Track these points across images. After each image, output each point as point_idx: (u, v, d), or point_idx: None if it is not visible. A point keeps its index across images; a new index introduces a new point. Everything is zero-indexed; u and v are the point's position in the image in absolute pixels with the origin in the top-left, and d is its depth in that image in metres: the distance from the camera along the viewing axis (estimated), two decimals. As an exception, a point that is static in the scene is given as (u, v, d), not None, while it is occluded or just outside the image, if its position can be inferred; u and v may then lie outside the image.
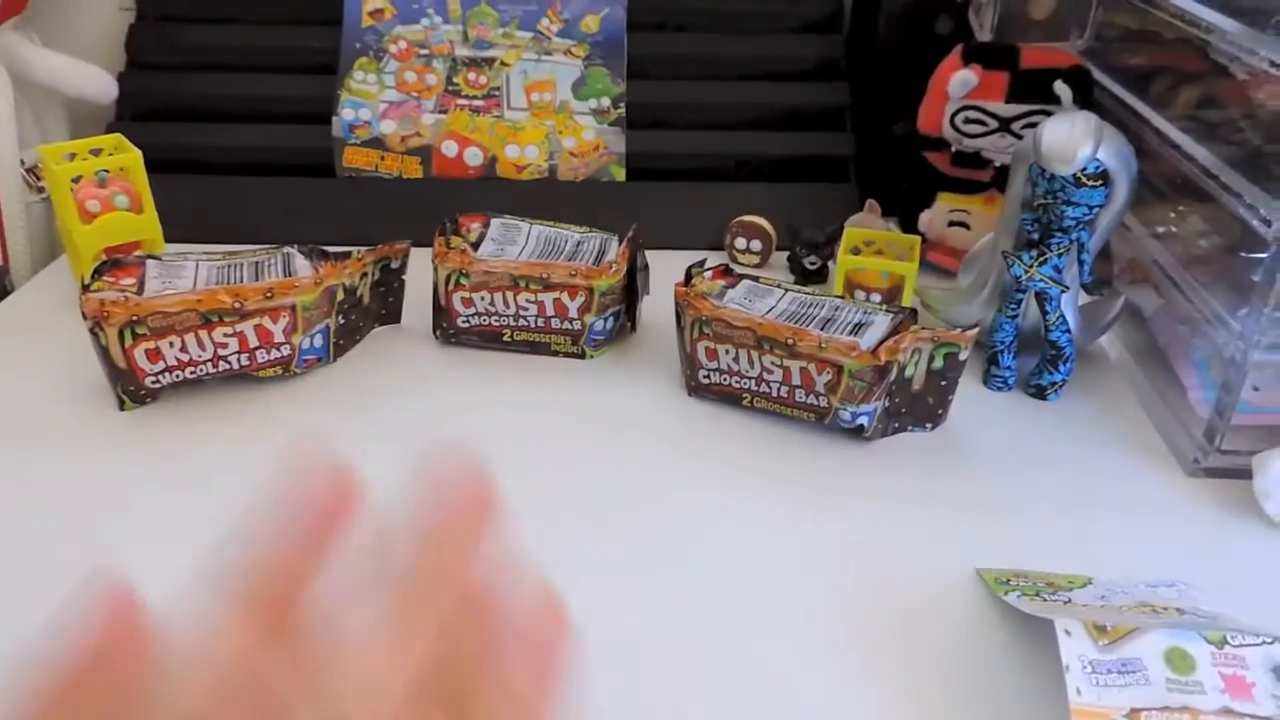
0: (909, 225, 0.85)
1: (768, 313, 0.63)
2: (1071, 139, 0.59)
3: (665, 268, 0.74)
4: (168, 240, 0.78)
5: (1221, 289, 0.62)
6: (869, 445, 0.63)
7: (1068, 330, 0.67)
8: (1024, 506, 0.59)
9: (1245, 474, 0.60)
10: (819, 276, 0.83)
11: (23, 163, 0.89)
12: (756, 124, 0.96)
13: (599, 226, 0.74)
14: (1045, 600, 0.49)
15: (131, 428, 0.63)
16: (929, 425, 0.64)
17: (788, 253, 0.84)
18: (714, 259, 0.70)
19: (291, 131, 0.94)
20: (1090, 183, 0.61)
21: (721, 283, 0.67)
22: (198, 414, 0.64)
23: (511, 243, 0.71)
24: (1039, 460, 0.64)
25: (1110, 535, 0.58)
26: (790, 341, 0.60)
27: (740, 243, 0.85)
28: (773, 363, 0.62)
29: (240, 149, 0.94)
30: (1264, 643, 0.43)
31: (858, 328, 0.62)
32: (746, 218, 0.85)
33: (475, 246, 0.70)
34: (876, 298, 0.73)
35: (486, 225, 0.73)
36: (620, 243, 0.71)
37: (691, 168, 0.94)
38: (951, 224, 0.83)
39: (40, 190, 0.91)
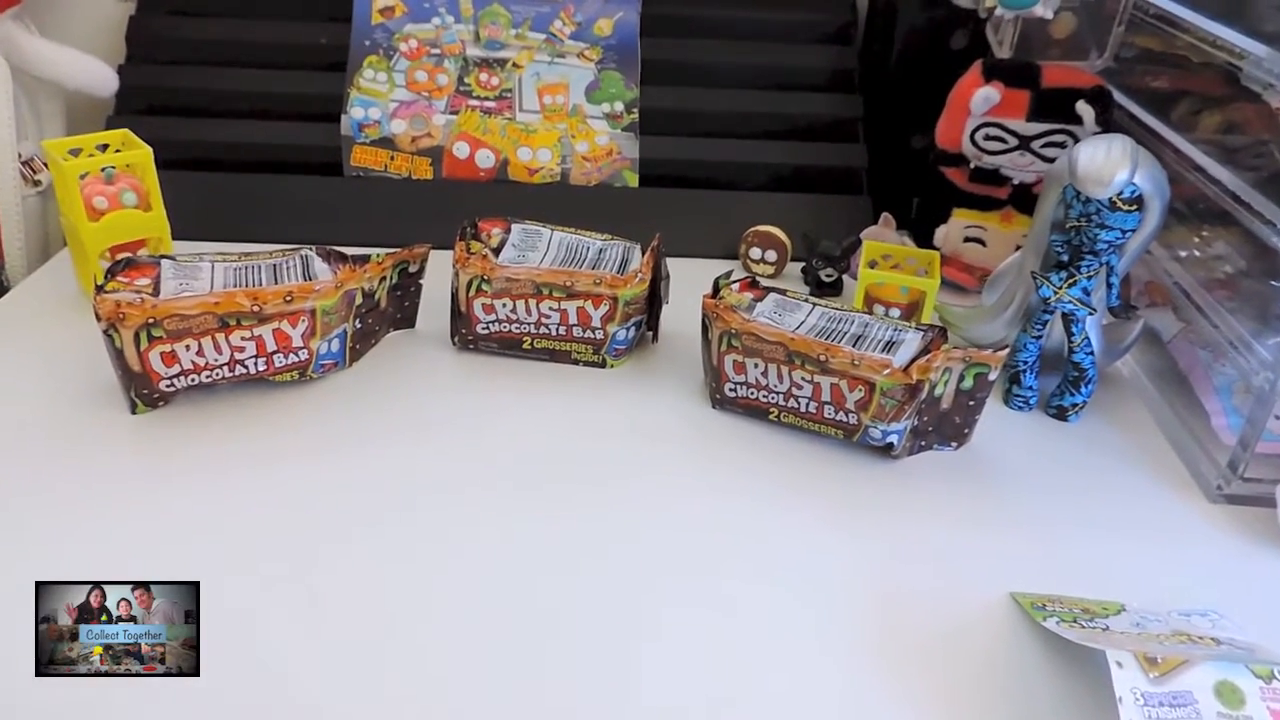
0: (923, 240, 0.85)
1: (798, 328, 0.62)
2: (1109, 163, 0.59)
3: (679, 276, 0.73)
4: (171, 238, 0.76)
5: (1247, 314, 0.63)
6: (895, 463, 0.63)
7: (1091, 352, 0.67)
8: (1050, 528, 0.59)
9: (1267, 501, 0.60)
10: (834, 289, 0.82)
11: (19, 155, 0.87)
12: (770, 134, 0.95)
13: (612, 232, 0.74)
14: (1083, 627, 0.49)
15: (144, 431, 0.61)
16: (954, 444, 0.64)
17: (802, 264, 0.84)
18: (726, 268, 0.70)
19: (297, 129, 0.92)
20: (1125, 207, 0.61)
21: (749, 295, 0.66)
22: (211, 418, 0.63)
23: (533, 249, 0.70)
24: (1062, 482, 0.63)
25: (1136, 560, 0.57)
26: (823, 357, 0.60)
27: (755, 252, 0.84)
28: (803, 378, 0.61)
29: (244, 146, 0.92)
30: (1312, 677, 0.43)
31: (889, 345, 0.61)
32: (762, 227, 0.84)
33: (496, 252, 0.69)
34: (896, 313, 0.73)
35: (508, 231, 0.71)
36: (644, 251, 0.70)
37: (704, 175, 0.93)
38: (967, 240, 0.83)
39: (36, 184, 0.88)
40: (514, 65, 0.93)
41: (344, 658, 0.47)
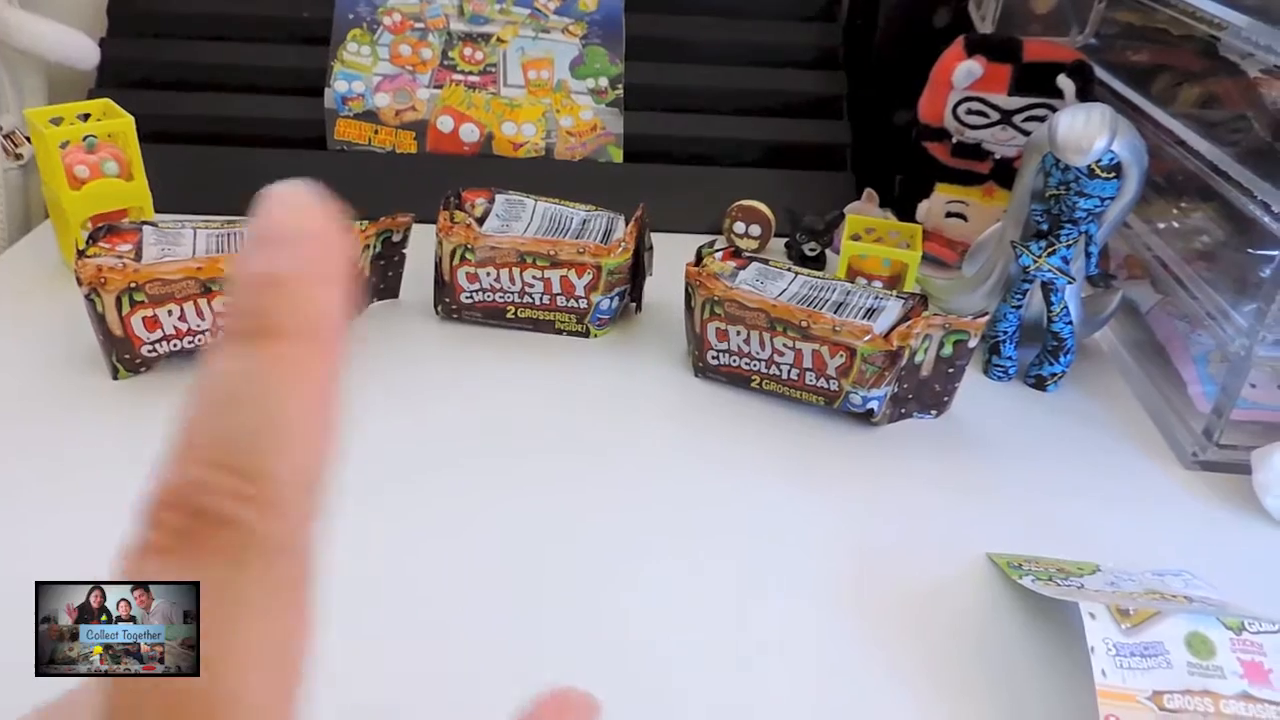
0: (905, 216, 0.86)
1: (780, 295, 0.63)
2: (1088, 130, 0.59)
3: (663, 250, 0.73)
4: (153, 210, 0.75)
5: (1224, 285, 0.63)
6: (875, 430, 0.64)
7: (1070, 322, 0.67)
8: (1027, 494, 0.60)
9: (1241, 468, 0.61)
10: (817, 263, 0.83)
11: (0, 129, 0.87)
12: (754, 110, 0.95)
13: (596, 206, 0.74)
14: (1059, 585, 0.50)
15: (126, 397, 0.61)
16: (934, 412, 0.65)
17: (786, 239, 0.84)
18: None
19: (281, 102, 0.92)
20: (1104, 174, 0.61)
21: (732, 264, 0.66)
22: (194, 385, 0.63)
23: (516, 219, 0.70)
24: (1040, 449, 0.64)
25: (1111, 524, 0.58)
26: (804, 324, 0.60)
27: (740, 227, 0.85)
28: (785, 345, 0.61)
29: (226, 119, 0.91)
30: (1281, 629, 0.43)
31: (870, 312, 0.62)
32: (746, 202, 0.84)
33: (480, 222, 0.69)
34: (878, 285, 0.73)
35: (491, 201, 0.71)
36: (628, 222, 0.70)
37: (688, 151, 0.93)
38: (949, 215, 0.84)
39: (18, 157, 0.88)
40: (498, 40, 0.92)
41: (329, 630, 0.47)
